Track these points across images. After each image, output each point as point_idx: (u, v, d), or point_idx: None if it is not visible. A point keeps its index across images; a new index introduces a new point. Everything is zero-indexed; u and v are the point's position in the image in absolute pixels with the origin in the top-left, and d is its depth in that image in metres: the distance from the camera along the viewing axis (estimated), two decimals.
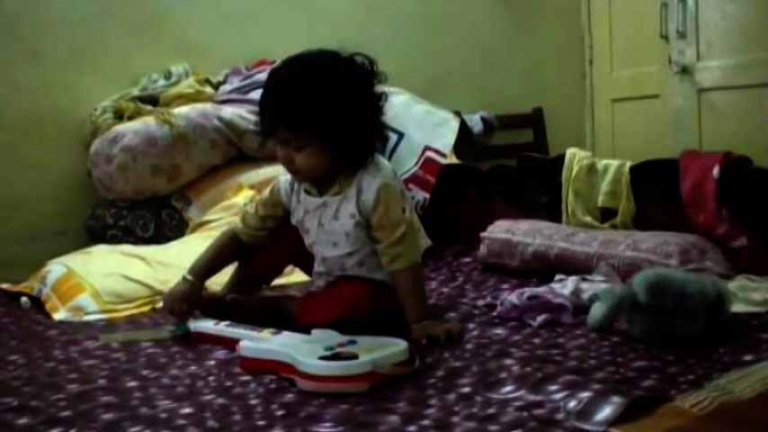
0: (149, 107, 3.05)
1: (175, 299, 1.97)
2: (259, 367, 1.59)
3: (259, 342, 1.67)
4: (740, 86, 3.28)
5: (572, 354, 1.62)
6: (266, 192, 2.05)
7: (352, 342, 1.56)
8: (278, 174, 3.00)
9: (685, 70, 3.48)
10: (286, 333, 1.71)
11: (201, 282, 2.01)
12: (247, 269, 2.09)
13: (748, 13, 3.24)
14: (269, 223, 2.04)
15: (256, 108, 3.05)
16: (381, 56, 1.88)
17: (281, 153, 1.85)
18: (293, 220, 1.99)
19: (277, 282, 2.21)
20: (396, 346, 1.54)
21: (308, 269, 2.11)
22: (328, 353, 1.51)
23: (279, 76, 1.85)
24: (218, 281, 2.14)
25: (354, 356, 1.48)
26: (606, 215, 2.56)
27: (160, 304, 2.28)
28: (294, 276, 2.32)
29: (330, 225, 1.90)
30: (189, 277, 1.99)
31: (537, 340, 1.75)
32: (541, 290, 2.01)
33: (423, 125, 3.11)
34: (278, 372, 1.54)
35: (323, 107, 1.76)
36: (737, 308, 1.82)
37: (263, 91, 1.87)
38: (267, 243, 2.06)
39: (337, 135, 1.80)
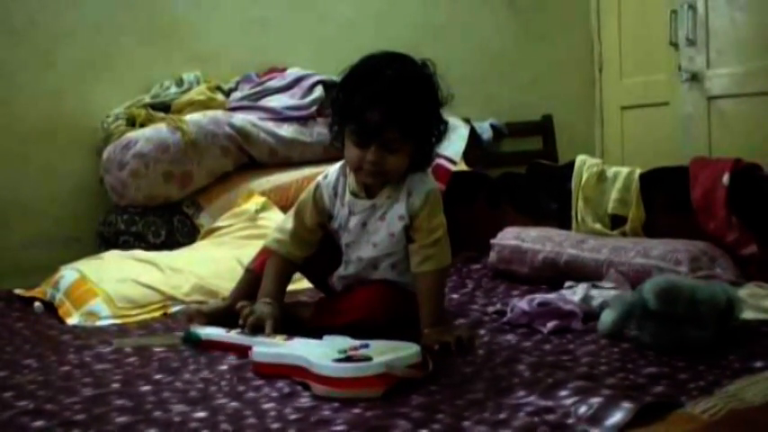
0: (161, 114, 3.07)
1: (272, 317, 1.83)
2: (272, 372, 1.59)
3: (272, 347, 1.68)
4: (750, 94, 3.29)
5: (582, 360, 1.62)
6: (306, 203, 1.97)
7: (365, 346, 1.57)
8: (288, 181, 3.05)
9: (695, 78, 3.48)
10: (298, 338, 1.72)
11: (280, 304, 1.94)
12: (254, 278, 2.08)
13: (758, 21, 3.24)
14: (319, 233, 1.99)
15: (268, 115, 3.13)
16: None
17: (373, 155, 1.79)
18: (334, 224, 1.96)
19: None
20: (409, 349, 1.55)
21: (314, 278, 2.13)
22: (342, 356, 1.52)
23: (382, 76, 1.78)
24: (231, 287, 2.15)
25: (368, 359, 1.49)
26: (616, 222, 2.57)
27: (173, 309, 2.30)
28: (304, 282, 2.32)
29: (374, 225, 1.91)
30: (268, 300, 1.89)
31: (547, 346, 1.76)
32: (551, 296, 2.01)
33: None
34: (292, 376, 1.55)
35: (427, 110, 1.83)
36: (747, 315, 1.82)
37: (364, 93, 1.78)
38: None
39: (428, 140, 1.87)
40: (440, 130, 1.89)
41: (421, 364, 1.54)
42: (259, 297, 1.91)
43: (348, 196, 1.93)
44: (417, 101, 1.80)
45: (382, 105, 1.76)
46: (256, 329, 1.80)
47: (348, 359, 1.50)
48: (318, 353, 1.55)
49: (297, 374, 1.54)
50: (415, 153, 1.85)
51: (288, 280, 2.02)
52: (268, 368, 1.61)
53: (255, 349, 1.66)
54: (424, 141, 1.86)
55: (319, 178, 1.99)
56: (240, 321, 1.84)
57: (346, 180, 1.94)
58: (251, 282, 2.08)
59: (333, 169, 1.98)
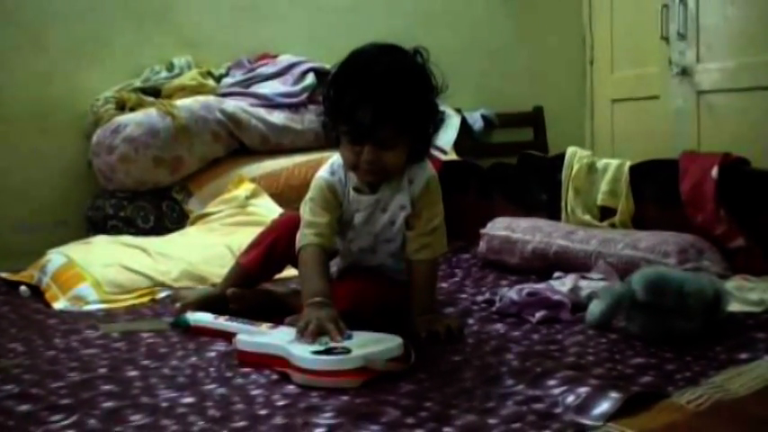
0: (151, 98, 3.05)
1: (332, 320, 1.61)
2: (254, 361, 1.58)
3: (254, 336, 1.67)
4: (739, 89, 3.30)
5: (570, 350, 1.63)
6: (323, 198, 1.87)
7: (348, 337, 1.57)
8: (278, 168, 3.05)
9: (685, 72, 3.49)
10: (282, 327, 1.71)
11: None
12: (244, 272, 2.08)
13: (749, 16, 3.25)
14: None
15: (259, 101, 3.12)
16: None
17: (368, 154, 1.74)
18: (340, 220, 1.91)
19: (277, 276, 2.20)
20: (390, 342, 1.54)
21: None
22: (322, 347, 1.51)
23: (371, 72, 1.73)
24: (220, 273, 2.15)
25: (347, 351, 1.48)
26: (605, 214, 2.58)
27: (161, 294, 2.30)
28: (292, 270, 2.32)
29: (376, 217, 1.89)
30: (320, 299, 1.69)
31: (536, 336, 1.77)
32: (540, 286, 2.02)
33: None
34: (272, 366, 1.54)
35: (420, 101, 1.77)
36: (734, 307, 1.83)
37: (353, 92, 1.72)
38: (264, 242, 2.06)
39: (425, 131, 1.83)
40: (436, 119, 1.85)
41: (402, 358, 1.53)
42: (307, 296, 1.72)
43: (352, 193, 1.89)
44: (409, 94, 1.75)
45: (373, 103, 1.70)
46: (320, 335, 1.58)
47: (328, 351, 1.50)
48: (299, 343, 1.55)
49: (277, 364, 1.53)
50: (413, 145, 1.81)
51: (327, 269, 1.87)
52: (250, 356, 1.60)
53: (238, 337, 1.65)
54: (421, 133, 1.82)
55: (324, 174, 1.90)
56: (298, 329, 1.61)
57: (348, 176, 1.89)
58: (241, 275, 2.08)
59: (336, 164, 1.90)
